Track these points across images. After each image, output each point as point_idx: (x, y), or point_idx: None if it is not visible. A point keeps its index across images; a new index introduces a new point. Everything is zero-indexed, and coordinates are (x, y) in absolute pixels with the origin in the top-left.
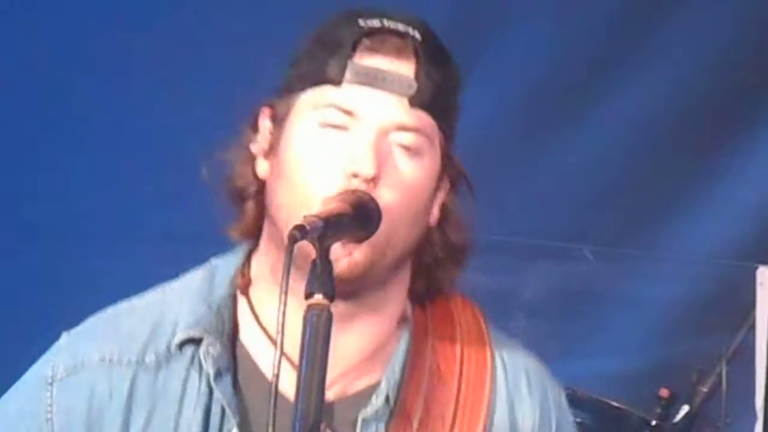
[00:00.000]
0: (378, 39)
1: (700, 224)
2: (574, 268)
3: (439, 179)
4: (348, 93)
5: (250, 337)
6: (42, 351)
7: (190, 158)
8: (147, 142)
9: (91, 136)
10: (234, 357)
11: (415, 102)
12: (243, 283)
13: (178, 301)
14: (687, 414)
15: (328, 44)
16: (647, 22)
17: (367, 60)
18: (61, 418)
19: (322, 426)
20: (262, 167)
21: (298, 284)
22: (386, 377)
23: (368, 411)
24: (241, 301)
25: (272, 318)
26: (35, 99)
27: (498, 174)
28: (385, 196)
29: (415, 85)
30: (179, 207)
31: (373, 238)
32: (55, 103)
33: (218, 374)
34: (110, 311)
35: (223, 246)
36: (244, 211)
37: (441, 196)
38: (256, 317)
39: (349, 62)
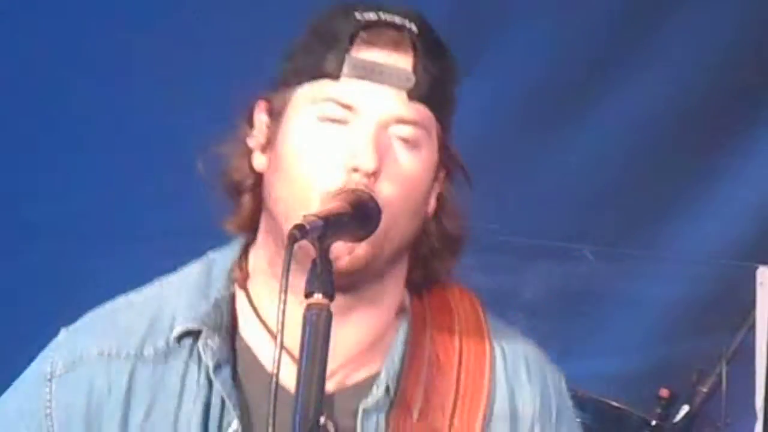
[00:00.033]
0: (375, 32)
1: (700, 224)
2: (574, 268)
3: (437, 170)
4: (346, 87)
5: (249, 329)
6: (42, 350)
7: (190, 158)
8: (147, 142)
9: (91, 136)
10: (233, 350)
11: (413, 95)
12: (241, 277)
13: (175, 295)
14: (687, 414)
15: (324, 37)
16: (647, 22)
17: (364, 53)
18: (61, 414)
19: (323, 418)
20: (259, 161)
21: (297, 280)
22: (386, 368)
23: (369, 401)
24: (240, 294)
25: (271, 311)
26: (35, 99)
27: (498, 174)
28: (386, 190)
29: (413, 79)
30: (179, 207)
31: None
32: (55, 103)
33: (217, 366)
34: (108, 306)
35: (215, 243)
36: (240, 204)
37: (437, 187)
38: (255, 310)
39: (346, 56)
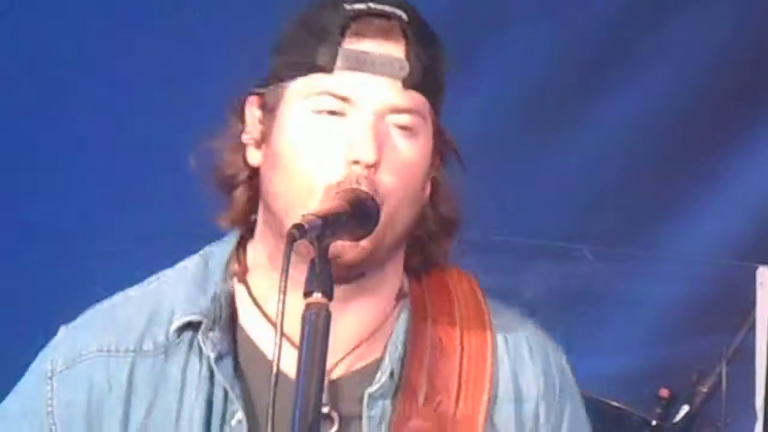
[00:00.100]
0: (365, 22)
1: (700, 224)
2: (574, 268)
3: (432, 156)
4: (341, 79)
5: (249, 320)
6: (42, 350)
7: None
8: (147, 142)
9: (91, 136)
10: (233, 341)
11: (408, 83)
12: (240, 271)
13: (173, 289)
14: (687, 414)
15: (314, 30)
16: (647, 22)
17: (356, 44)
18: (62, 412)
19: (328, 408)
20: (254, 156)
21: (298, 272)
22: (389, 353)
23: (374, 387)
24: (239, 287)
25: (272, 303)
26: (35, 99)
27: (498, 174)
28: (386, 180)
29: (407, 67)
30: (179, 207)
31: None
32: (55, 103)
33: (219, 358)
34: (107, 303)
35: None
36: (234, 199)
37: (432, 172)
38: (256, 302)
39: (339, 49)
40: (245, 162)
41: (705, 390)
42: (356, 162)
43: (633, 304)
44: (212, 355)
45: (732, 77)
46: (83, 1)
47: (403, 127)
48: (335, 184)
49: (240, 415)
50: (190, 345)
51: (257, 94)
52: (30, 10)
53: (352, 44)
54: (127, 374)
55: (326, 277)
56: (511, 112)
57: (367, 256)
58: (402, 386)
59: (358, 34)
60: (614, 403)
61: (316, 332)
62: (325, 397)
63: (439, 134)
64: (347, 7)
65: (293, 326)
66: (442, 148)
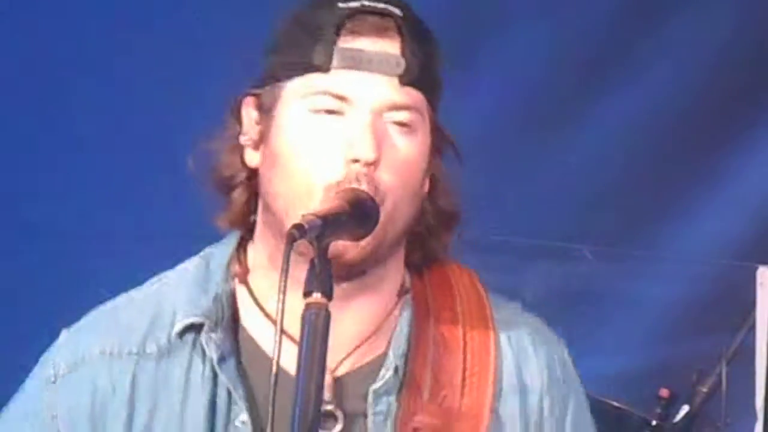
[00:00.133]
0: (360, 20)
1: (700, 224)
2: (574, 268)
3: (431, 152)
4: (338, 78)
5: (251, 321)
6: (42, 351)
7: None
8: (147, 142)
9: (91, 136)
10: (236, 342)
11: (404, 80)
12: (241, 272)
13: (174, 291)
14: (687, 414)
15: (308, 29)
16: (647, 22)
17: (351, 43)
18: (66, 416)
19: (332, 406)
20: (252, 157)
21: (299, 271)
22: (393, 349)
23: (378, 384)
24: (240, 288)
25: (274, 303)
26: (35, 99)
27: (498, 174)
28: (386, 178)
29: (403, 64)
30: (179, 207)
31: None
32: (55, 103)
33: (222, 359)
34: (108, 305)
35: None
36: (233, 200)
37: (431, 167)
38: (257, 303)
39: (334, 48)
40: (243, 163)
41: (705, 390)
42: (356, 160)
43: (633, 304)
44: (215, 357)
45: (732, 77)
46: (83, 1)
47: (401, 124)
48: (335, 184)
49: (244, 416)
50: (193, 346)
51: (253, 94)
52: (30, 10)
53: (347, 43)
54: (130, 377)
55: (326, 276)
56: (511, 112)
57: (368, 255)
58: (406, 382)
59: (354, 33)
60: (614, 403)
61: (315, 332)
62: (329, 395)
63: (436, 130)
64: (341, 5)
65: (295, 326)
66: (440, 144)
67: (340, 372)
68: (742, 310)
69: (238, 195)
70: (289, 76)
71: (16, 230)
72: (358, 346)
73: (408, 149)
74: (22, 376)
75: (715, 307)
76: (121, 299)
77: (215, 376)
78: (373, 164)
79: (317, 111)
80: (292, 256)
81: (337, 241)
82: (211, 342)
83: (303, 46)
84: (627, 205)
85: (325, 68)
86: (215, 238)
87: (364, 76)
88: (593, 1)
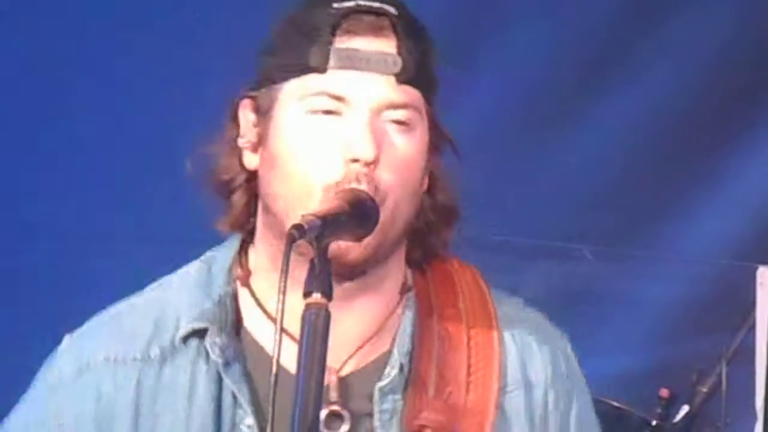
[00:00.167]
0: (355, 20)
1: (700, 224)
2: (574, 268)
3: (429, 149)
4: (335, 79)
5: (254, 323)
6: (42, 351)
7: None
8: (147, 142)
9: (91, 136)
10: (240, 345)
11: (401, 78)
12: (243, 275)
13: (177, 296)
14: (687, 414)
15: (304, 30)
16: (647, 22)
17: (347, 43)
18: (72, 423)
19: (339, 407)
20: (251, 159)
21: (299, 272)
22: (397, 347)
23: (384, 382)
24: (242, 291)
25: (275, 304)
26: (35, 99)
27: (498, 174)
28: (386, 177)
29: (399, 62)
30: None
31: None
32: (55, 103)
33: (226, 363)
34: (111, 311)
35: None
36: (233, 203)
37: (429, 164)
38: (260, 305)
39: (331, 48)
40: (242, 166)
41: (705, 390)
42: (355, 160)
43: (633, 304)
44: (220, 362)
45: (732, 77)
46: (83, 1)
47: (399, 123)
48: (334, 184)
49: (250, 420)
50: (197, 351)
51: (250, 97)
52: (30, 10)
53: (343, 43)
54: (135, 383)
55: (326, 277)
56: (511, 112)
57: (369, 255)
58: (412, 380)
59: (349, 33)
60: (614, 403)
61: (315, 332)
62: (335, 396)
63: (434, 127)
64: (336, 5)
65: (297, 326)
66: (439, 141)
67: (345, 372)
68: (742, 310)
69: (238, 198)
70: (286, 78)
71: (16, 230)
72: (362, 346)
73: (407, 147)
74: (23, 376)
75: (715, 307)
76: (123, 305)
77: (220, 380)
78: (373, 163)
79: (315, 112)
80: (293, 257)
81: (338, 242)
82: (216, 347)
83: (299, 48)
84: (627, 205)
85: (321, 69)
86: (215, 237)
87: (361, 75)
88: (593, 1)
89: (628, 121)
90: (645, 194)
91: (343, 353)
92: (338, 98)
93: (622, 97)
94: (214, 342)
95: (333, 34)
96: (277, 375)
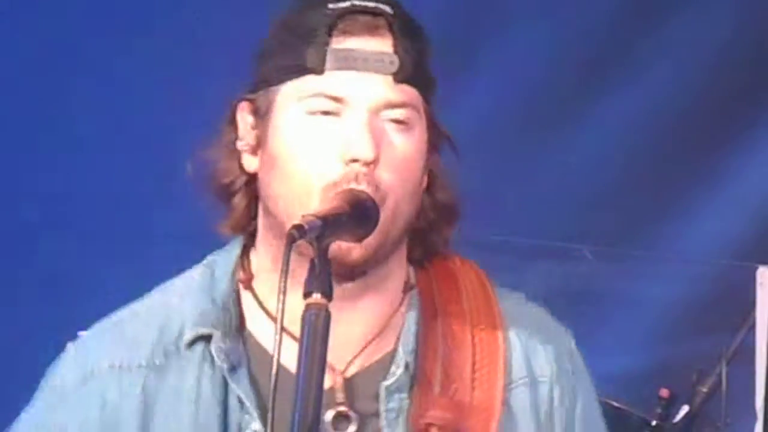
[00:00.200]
0: (351, 20)
1: (700, 224)
2: (574, 268)
3: (428, 148)
4: (333, 79)
5: (258, 326)
6: (41, 351)
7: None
8: (147, 142)
9: (91, 136)
10: (245, 348)
11: (399, 77)
12: (246, 278)
13: (180, 301)
14: (687, 414)
15: (299, 32)
16: (646, 22)
17: (344, 43)
18: (76, 430)
19: (345, 408)
20: (250, 162)
21: (302, 272)
22: (402, 345)
23: (389, 381)
24: (246, 294)
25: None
26: (35, 99)
27: (498, 174)
28: (386, 177)
29: (396, 61)
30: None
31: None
32: (55, 103)
33: (232, 368)
34: (114, 318)
35: (220, 244)
36: (233, 206)
37: (429, 164)
38: (264, 308)
39: (327, 49)
40: (241, 168)
41: (705, 390)
42: (354, 160)
43: (633, 304)
44: (225, 366)
45: (732, 77)
46: (83, 1)
47: (397, 122)
48: (332, 184)
49: (256, 425)
50: (203, 356)
51: (248, 100)
52: (30, 10)
53: (340, 43)
54: (140, 390)
55: (326, 277)
56: (511, 112)
57: (370, 256)
58: (417, 378)
59: (345, 33)
60: (614, 403)
61: (315, 333)
62: (341, 397)
63: (433, 126)
64: (331, 6)
65: (299, 327)
66: (437, 139)
67: (350, 372)
68: (742, 310)
69: (239, 200)
70: (283, 80)
71: (16, 230)
72: (366, 346)
73: (406, 147)
74: (23, 376)
75: (715, 307)
76: (126, 311)
77: (226, 385)
78: (373, 163)
79: (313, 113)
80: (294, 258)
81: (339, 242)
82: (221, 352)
83: (295, 49)
84: (627, 205)
85: (319, 70)
86: (215, 237)
87: (359, 75)
88: (593, 1)
89: (628, 121)
90: (645, 194)
91: (347, 354)
92: (336, 99)
93: (622, 97)
94: (219, 347)
95: (329, 35)
96: (277, 375)
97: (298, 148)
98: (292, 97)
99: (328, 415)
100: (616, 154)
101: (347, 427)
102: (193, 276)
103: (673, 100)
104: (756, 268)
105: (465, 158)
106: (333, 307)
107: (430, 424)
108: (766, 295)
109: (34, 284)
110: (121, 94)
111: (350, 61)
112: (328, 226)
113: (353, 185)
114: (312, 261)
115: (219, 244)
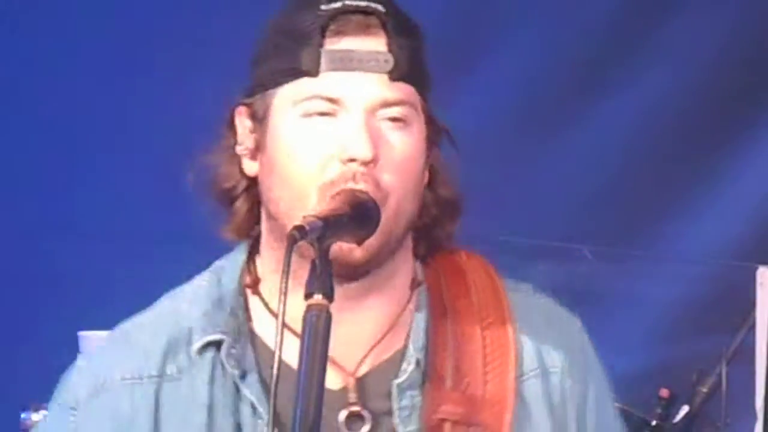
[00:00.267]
0: (344, 20)
1: (700, 224)
2: (574, 268)
3: (427, 145)
4: (328, 81)
5: (265, 330)
6: (43, 351)
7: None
8: (147, 142)
9: (91, 136)
10: (255, 353)
11: (394, 75)
12: (252, 282)
13: (189, 308)
14: (687, 414)
15: (294, 35)
16: (646, 22)
17: (338, 44)
18: None
19: (358, 407)
20: (250, 166)
21: (305, 273)
22: (412, 342)
23: (401, 378)
24: (253, 299)
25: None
26: (35, 99)
27: (498, 174)
28: (386, 176)
29: (391, 60)
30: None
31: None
32: (55, 103)
33: (243, 375)
34: (123, 329)
35: (224, 245)
36: (235, 210)
37: (429, 160)
38: (268, 308)
39: (321, 51)
40: (242, 173)
41: (705, 390)
42: (352, 160)
43: (633, 304)
44: (236, 372)
45: (732, 77)
46: (83, 2)
47: (395, 120)
48: (329, 183)
49: (269, 430)
50: (213, 363)
51: (245, 104)
52: (30, 10)
53: (333, 44)
54: (153, 400)
55: (327, 278)
56: (510, 112)
57: (372, 256)
58: (428, 374)
59: (339, 34)
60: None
61: (316, 333)
62: (354, 397)
63: (431, 122)
64: (323, 7)
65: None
66: (436, 135)
67: (361, 372)
68: (742, 310)
69: (240, 205)
70: (279, 83)
71: (16, 230)
72: (376, 345)
73: (405, 145)
74: (22, 376)
75: (715, 307)
76: (134, 322)
77: (238, 391)
78: (372, 162)
79: (310, 115)
80: (297, 259)
81: (340, 243)
82: (231, 358)
83: (290, 52)
84: (627, 205)
85: (313, 72)
86: (214, 238)
87: (354, 76)
88: (593, 2)
89: (628, 121)
90: (645, 194)
91: (357, 354)
92: (332, 100)
93: (621, 97)
94: (229, 353)
95: (323, 37)
96: (278, 374)
97: (296, 151)
98: (289, 101)
99: (342, 416)
100: (616, 155)
101: (361, 427)
102: (201, 283)
103: (673, 100)
104: (756, 268)
105: (465, 158)
106: (338, 307)
107: (443, 420)
108: (766, 295)
109: (34, 284)
110: (121, 94)
111: (345, 62)
112: (329, 227)
113: (351, 184)
114: (313, 261)
115: (220, 244)
